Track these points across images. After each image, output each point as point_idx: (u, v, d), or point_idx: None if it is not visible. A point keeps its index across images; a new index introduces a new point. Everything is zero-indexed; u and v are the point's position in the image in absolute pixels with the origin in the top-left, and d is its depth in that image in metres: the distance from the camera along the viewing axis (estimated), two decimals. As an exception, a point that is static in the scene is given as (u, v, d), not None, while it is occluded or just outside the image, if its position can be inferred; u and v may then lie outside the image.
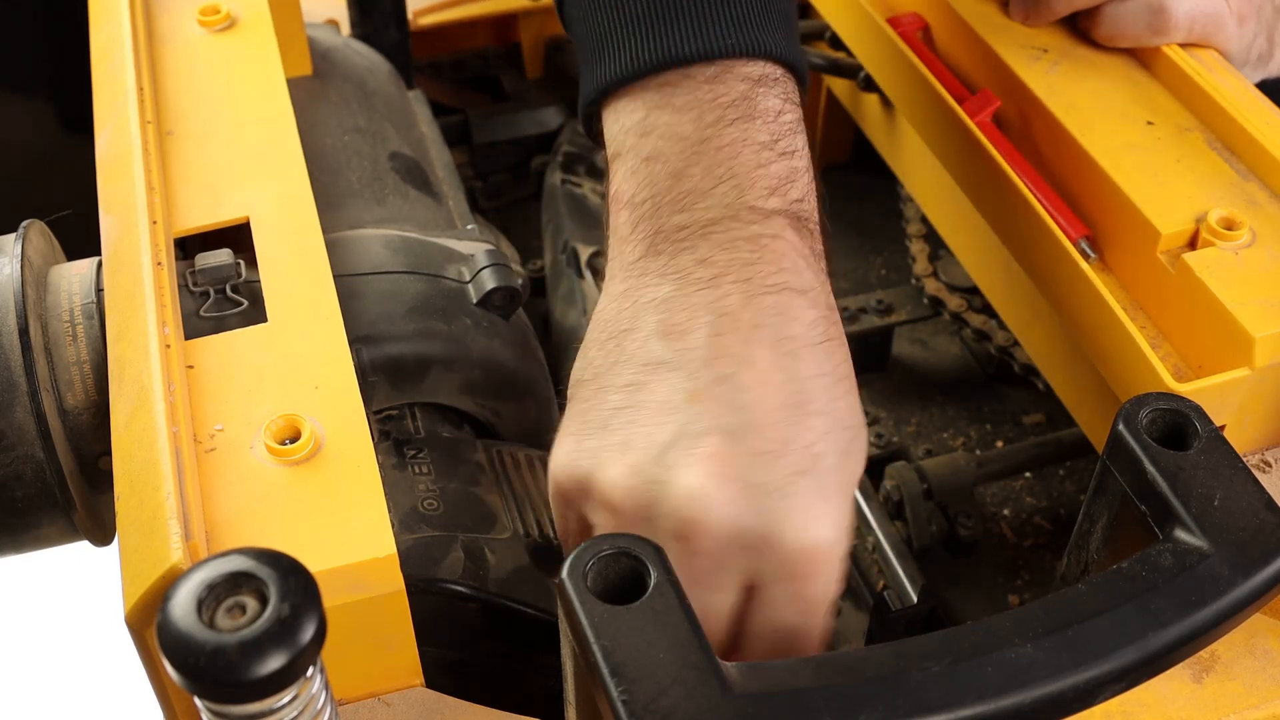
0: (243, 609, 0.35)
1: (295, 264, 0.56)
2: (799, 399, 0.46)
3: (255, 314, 0.55)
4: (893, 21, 0.72)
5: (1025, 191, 0.61)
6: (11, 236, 0.61)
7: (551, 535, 0.61)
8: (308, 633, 0.35)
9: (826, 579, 0.46)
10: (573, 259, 0.84)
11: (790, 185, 0.51)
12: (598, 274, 0.83)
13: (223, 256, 0.57)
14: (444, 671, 0.52)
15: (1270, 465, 0.56)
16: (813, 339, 0.48)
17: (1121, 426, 0.46)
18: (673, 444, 0.46)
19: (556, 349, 0.82)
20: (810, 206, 0.52)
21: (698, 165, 0.50)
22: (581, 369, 0.51)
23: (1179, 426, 0.46)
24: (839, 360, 0.48)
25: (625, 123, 0.52)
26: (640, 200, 0.51)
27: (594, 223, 0.88)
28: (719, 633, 0.47)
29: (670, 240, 0.50)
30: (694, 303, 0.48)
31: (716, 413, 0.46)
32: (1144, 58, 0.66)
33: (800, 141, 0.52)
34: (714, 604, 0.46)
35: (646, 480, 0.46)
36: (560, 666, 0.44)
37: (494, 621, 0.57)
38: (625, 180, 0.52)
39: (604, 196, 0.54)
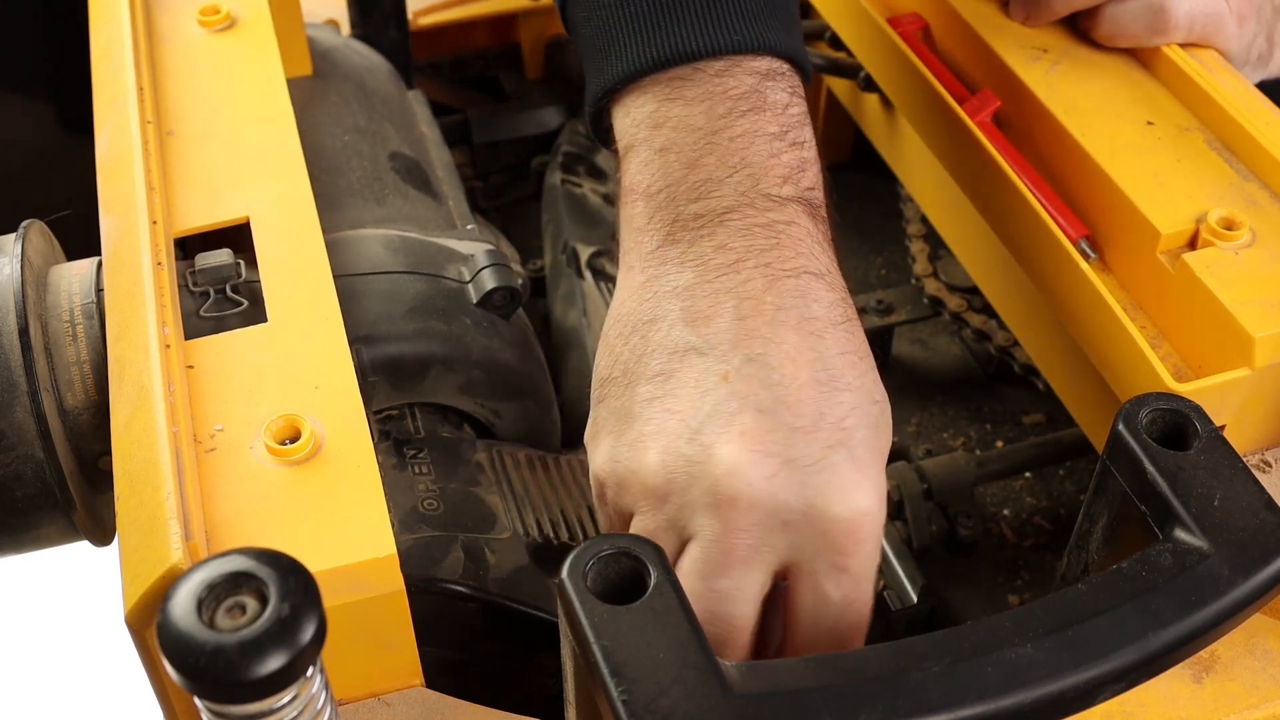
0: (243, 609, 0.35)
1: (295, 264, 0.56)
2: (827, 376, 0.47)
3: (255, 314, 0.55)
4: (893, 21, 0.72)
5: (1025, 191, 0.61)
6: (11, 236, 0.61)
7: (551, 535, 0.61)
8: (308, 633, 0.35)
9: (869, 551, 0.47)
10: (573, 259, 0.84)
11: (801, 174, 0.52)
12: (598, 274, 0.83)
13: (223, 256, 0.57)
14: (444, 671, 0.52)
15: (1270, 465, 0.56)
16: (834, 319, 0.49)
17: (1121, 426, 0.46)
18: (707, 424, 0.46)
19: (556, 349, 0.82)
20: (820, 195, 0.53)
21: (712, 155, 0.51)
22: (609, 366, 0.51)
23: (1179, 426, 0.46)
24: (859, 339, 0.50)
25: (636, 116, 0.53)
26: (655, 190, 0.52)
27: (594, 223, 0.88)
28: (749, 618, 0.47)
29: (688, 228, 0.50)
30: (716, 288, 0.49)
31: (748, 391, 0.46)
32: (1144, 58, 0.66)
33: (808, 134, 0.53)
34: (746, 585, 0.47)
35: (683, 460, 0.46)
36: (560, 666, 0.44)
37: (494, 621, 0.57)
38: (639, 171, 0.52)
39: (615, 188, 0.55)
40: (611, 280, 0.81)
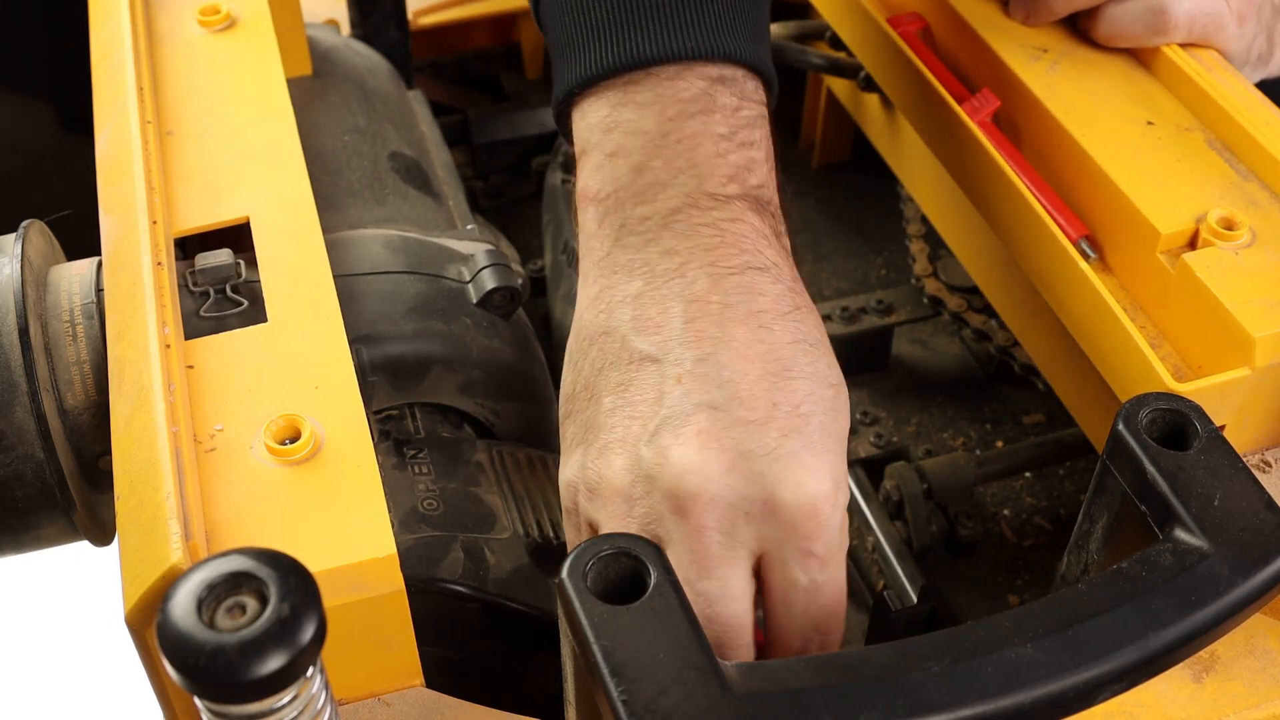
0: (243, 609, 0.35)
1: (295, 264, 0.56)
2: (779, 366, 0.48)
3: (255, 314, 0.55)
4: (893, 21, 0.72)
5: (1025, 191, 0.61)
6: (11, 236, 0.61)
7: (552, 535, 0.61)
8: (308, 633, 0.35)
9: (832, 532, 0.48)
10: (573, 259, 0.84)
11: (749, 173, 0.52)
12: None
13: (223, 256, 0.57)
14: (444, 671, 0.52)
15: (1270, 465, 0.56)
16: (782, 310, 0.49)
17: (1121, 426, 0.46)
18: (663, 426, 0.47)
19: (556, 349, 0.82)
20: (770, 192, 0.53)
21: (658, 158, 0.52)
22: (572, 382, 0.52)
23: (1179, 426, 0.46)
24: (810, 326, 0.50)
25: (590, 120, 0.54)
26: (605, 195, 0.53)
27: (594, 223, 0.87)
28: (742, 616, 0.48)
29: (634, 233, 0.51)
30: (664, 294, 0.50)
31: (701, 390, 0.47)
32: (1144, 58, 0.66)
33: (759, 135, 0.54)
34: (731, 583, 0.47)
35: (643, 464, 0.47)
36: (560, 666, 0.44)
37: (494, 621, 0.57)
38: (590, 176, 0.54)
39: (570, 193, 0.56)
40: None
